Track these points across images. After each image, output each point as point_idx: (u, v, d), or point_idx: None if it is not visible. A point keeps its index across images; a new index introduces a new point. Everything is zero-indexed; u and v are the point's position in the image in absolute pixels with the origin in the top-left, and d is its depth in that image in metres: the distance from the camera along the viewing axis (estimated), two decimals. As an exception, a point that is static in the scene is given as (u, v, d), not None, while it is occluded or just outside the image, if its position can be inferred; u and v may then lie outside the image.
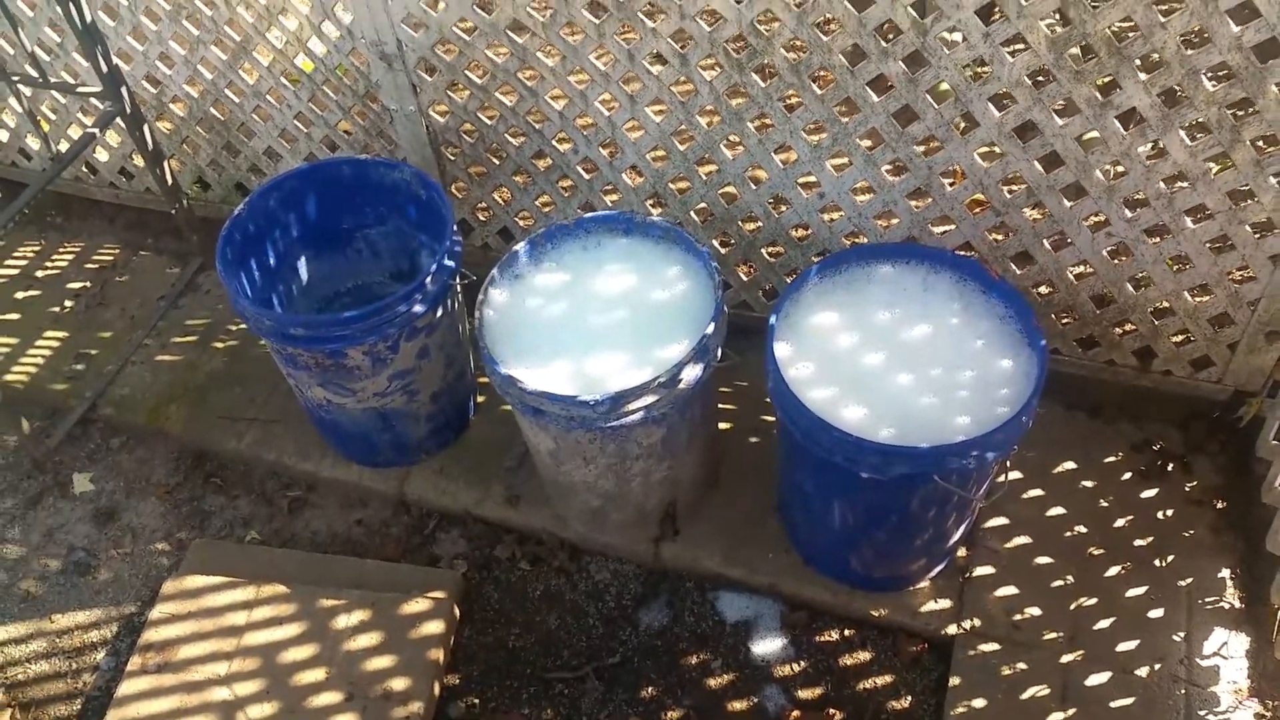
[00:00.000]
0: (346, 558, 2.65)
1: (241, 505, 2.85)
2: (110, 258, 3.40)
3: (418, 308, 2.35)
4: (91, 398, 3.02)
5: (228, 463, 2.93)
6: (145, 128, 2.90)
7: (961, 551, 2.49)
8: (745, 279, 2.83)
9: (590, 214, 2.41)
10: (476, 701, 2.46)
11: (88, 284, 3.33)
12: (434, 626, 2.44)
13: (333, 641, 2.42)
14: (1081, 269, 2.52)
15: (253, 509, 2.84)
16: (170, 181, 3.04)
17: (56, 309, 3.32)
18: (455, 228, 2.45)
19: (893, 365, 2.11)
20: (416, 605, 2.47)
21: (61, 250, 3.50)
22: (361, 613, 2.46)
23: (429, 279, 2.34)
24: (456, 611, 2.53)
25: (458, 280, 2.50)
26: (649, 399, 2.10)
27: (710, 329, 2.13)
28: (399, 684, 2.35)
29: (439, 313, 2.44)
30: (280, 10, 2.68)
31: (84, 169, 3.41)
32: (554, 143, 2.72)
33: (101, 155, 3.29)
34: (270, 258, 2.62)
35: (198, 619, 2.49)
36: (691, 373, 2.13)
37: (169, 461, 2.95)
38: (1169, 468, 2.59)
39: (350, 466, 2.81)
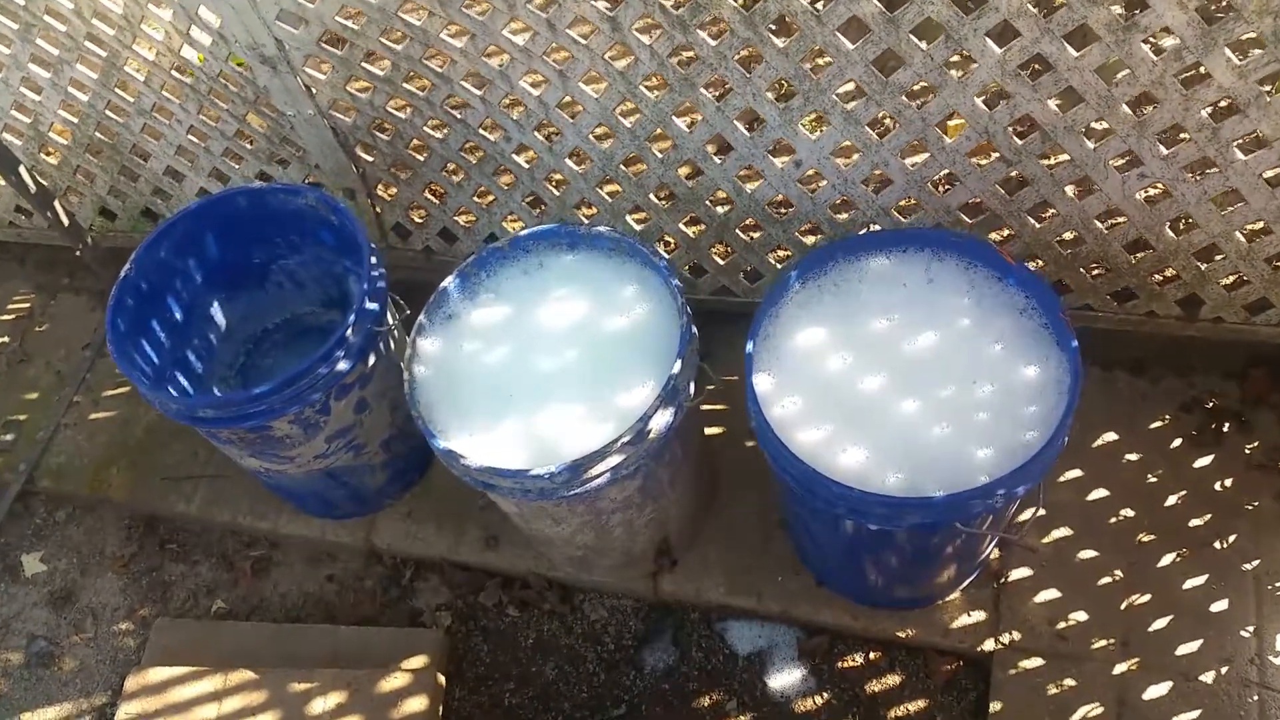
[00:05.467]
0: (318, 626, 2.42)
1: (203, 572, 2.61)
2: (26, 305, 3.08)
3: (342, 365, 2.03)
4: (26, 470, 2.76)
5: (182, 526, 2.67)
6: (21, 169, 2.53)
7: (994, 553, 2.20)
8: (722, 262, 2.47)
9: (527, 231, 2.06)
10: (477, 774, 2.26)
11: (6, 339, 3.02)
12: (418, 704, 2.21)
13: (311, 732, 2.21)
14: (1112, 215, 2.14)
15: (215, 575, 2.60)
16: (68, 222, 2.69)
17: (-22, 368, 3.03)
18: (374, 260, 2.11)
19: (896, 389, 1.78)
20: (396, 680, 2.24)
21: (-27, 301, 3.18)
22: (338, 695, 2.24)
23: (349, 330, 2.02)
24: (441, 679, 2.31)
25: (390, 318, 2.17)
26: (614, 460, 1.80)
27: (677, 367, 1.81)
28: (387, 774, 2.15)
29: (370, 361, 2.12)
30: (140, 19, 2.28)
31: (-24, 210, 3.06)
32: (481, 131, 2.34)
33: (-9, 194, 2.94)
34: (175, 312, 2.30)
35: (166, 716, 2.27)
36: (661, 420, 1.82)
37: (120, 531, 2.70)
38: (1225, 428, 2.26)
39: (311, 520, 2.55)
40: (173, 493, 2.65)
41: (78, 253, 2.76)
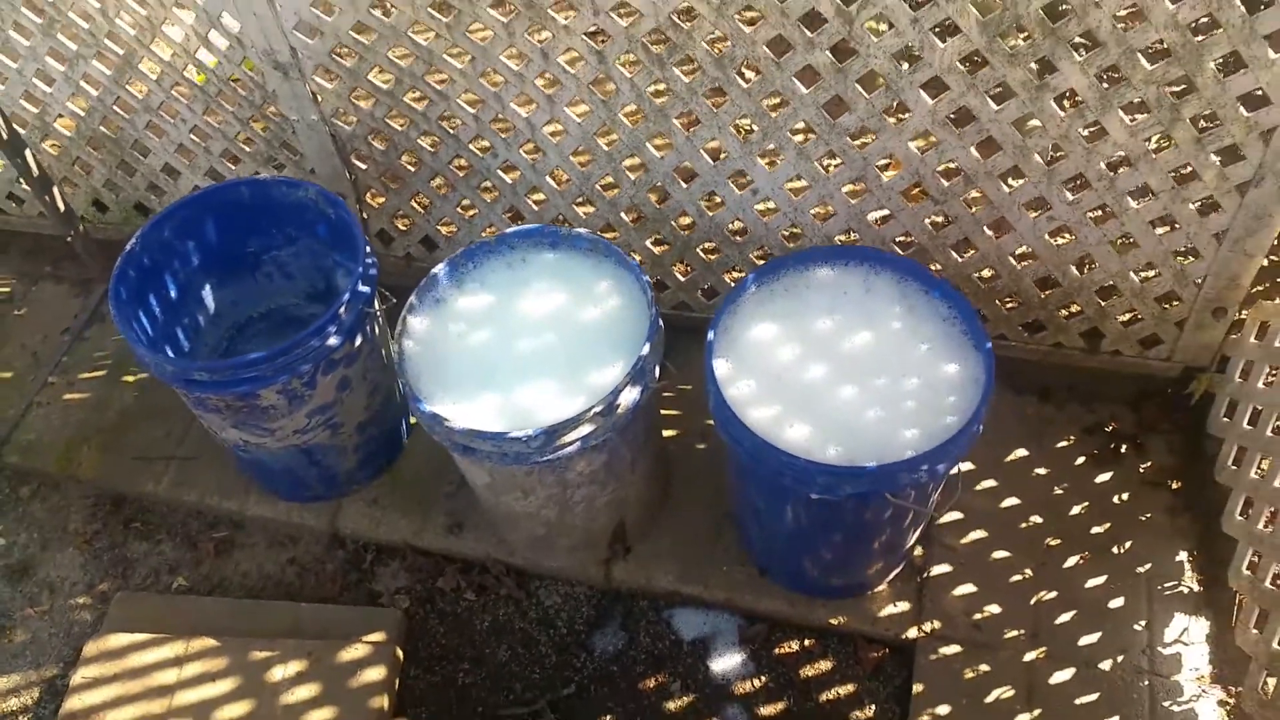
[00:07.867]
0: (279, 602, 2.52)
1: (166, 550, 2.69)
2: (7, 289, 3.18)
3: (333, 340, 2.20)
4: (-6, 446, 2.83)
5: (148, 506, 2.76)
6: (27, 152, 2.68)
7: (918, 550, 2.42)
8: (682, 279, 2.71)
9: (513, 229, 2.28)
10: (427, 746, 2.36)
11: (-18, 322, 3.12)
12: (375, 674, 2.32)
13: (270, 695, 2.30)
14: (1024, 253, 2.44)
15: (178, 554, 2.68)
16: (63, 208, 2.83)
17: (-48, 349, 3.09)
18: (369, 249, 2.30)
19: (836, 377, 2.02)
20: (355, 651, 2.35)
21: (-47, 284, 3.26)
22: (298, 663, 2.33)
23: (343, 308, 2.19)
24: (399, 654, 2.42)
25: (377, 305, 2.35)
26: (585, 429, 1.99)
27: (645, 349, 2.02)
28: (343, 737, 2.24)
29: (358, 341, 2.29)
30: (162, 20, 2.48)
31: (-32, 197, 3.17)
32: (470, 147, 2.57)
33: (-16, 182, 3.06)
34: (170, 290, 2.44)
35: (124, 681, 2.34)
36: (629, 397, 2.02)
37: (85, 508, 2.77)
38: (1122, 450, 2.54)
39: (277, 503, 2.66)
40: (142, 472, 2.74)
41: (69, 239, 2.88)
